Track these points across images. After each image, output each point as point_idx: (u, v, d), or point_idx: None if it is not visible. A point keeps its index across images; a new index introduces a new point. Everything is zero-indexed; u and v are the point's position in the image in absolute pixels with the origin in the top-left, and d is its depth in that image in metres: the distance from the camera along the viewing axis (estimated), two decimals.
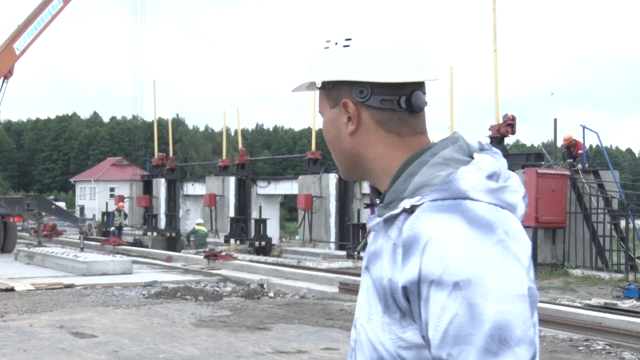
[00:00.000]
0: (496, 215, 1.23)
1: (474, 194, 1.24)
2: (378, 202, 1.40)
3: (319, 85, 1.42)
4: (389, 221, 1.31)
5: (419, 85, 1.39)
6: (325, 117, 1.44)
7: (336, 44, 1.38)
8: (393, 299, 1.26)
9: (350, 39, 1.37)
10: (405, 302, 1.24)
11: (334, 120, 1.42)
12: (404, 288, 1.23)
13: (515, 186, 1.32)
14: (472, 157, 1.32)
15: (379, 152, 1.39)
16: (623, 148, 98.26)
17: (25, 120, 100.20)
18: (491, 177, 1.28)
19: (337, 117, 1.41)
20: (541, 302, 12.29)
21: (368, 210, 21.31)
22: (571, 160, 21.24)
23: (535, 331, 1.24)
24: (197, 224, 26.76)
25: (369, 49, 1.36)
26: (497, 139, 21.58)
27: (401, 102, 1.37)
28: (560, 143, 23.02)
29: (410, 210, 1.26)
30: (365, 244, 1.42)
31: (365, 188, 25.30)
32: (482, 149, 1.36)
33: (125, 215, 33.17)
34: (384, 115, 1.37)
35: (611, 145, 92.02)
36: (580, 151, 21.37)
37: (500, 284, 1.17)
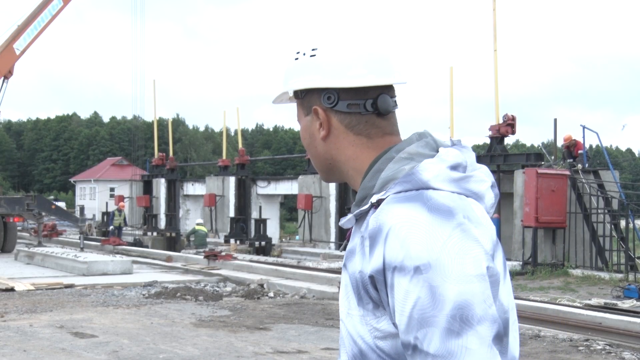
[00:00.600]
0: (457, 202, 1.27)
1: (435, 183, 1.29)
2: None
3: (291, 94, 1.50)
4: (361, 218, 1.36)
5: (386, 89, 1.43)
6: (301, 125, 1.51)
7: (304, 54, 1.46)
8: (365, 290, 1.30)
9: (316, 49, 1.44)
10: (375, 291, 1.28)
11: (308, 127, 1.48)
12: (371, 277, 1.27)
13: (481, 176, 1.36)
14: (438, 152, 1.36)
15: (350, 154, 1.44)
16: (623, 148, 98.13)
17: (25, 120, 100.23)
18: (455, 167, 1.32)
19: (311, 124, 1.47)
20: (541, 302, 12.29)
21: None
22: (571, 160, 21.21)
23: (505, 311, 1.25)
24: (197, 224, 26.75)
25: (332, 57, 1.42)
26: (497, 139, 21.54)
27: (367, 105, 1.42)
28: (560, 143, 22.99)
29: (377, 205, 1.31)
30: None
31: None
32: (453, 145, 1.40)
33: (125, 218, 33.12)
34: (352, 119, 1.43)
35: (611, 145, 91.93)
36: (580, 151, 21.35)
37: (459, 265, 1.20)
